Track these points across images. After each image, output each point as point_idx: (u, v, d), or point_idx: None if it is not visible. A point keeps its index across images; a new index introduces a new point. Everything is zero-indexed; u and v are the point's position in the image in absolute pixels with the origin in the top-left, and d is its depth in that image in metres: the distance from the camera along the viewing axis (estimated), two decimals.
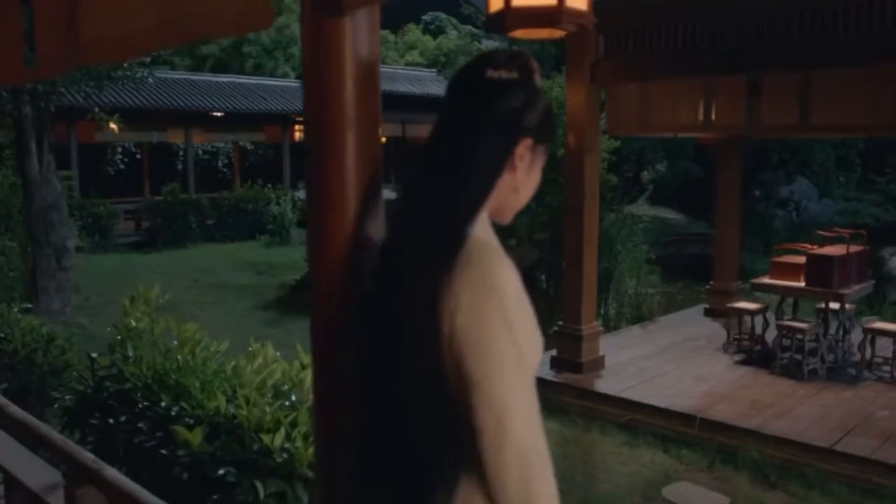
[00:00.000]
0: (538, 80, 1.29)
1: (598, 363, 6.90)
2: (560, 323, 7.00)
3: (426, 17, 28.83)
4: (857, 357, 6.78)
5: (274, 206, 15.42)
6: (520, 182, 1.29)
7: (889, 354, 6.58)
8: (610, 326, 8.86)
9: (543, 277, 9.95)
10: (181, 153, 18.84)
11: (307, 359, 3.31)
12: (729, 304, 7.63)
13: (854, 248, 6.74)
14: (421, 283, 1.16)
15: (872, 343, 6.71)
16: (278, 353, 3.26)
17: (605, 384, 6.49)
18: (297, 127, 19.04)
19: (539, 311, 1.25)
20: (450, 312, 1.13)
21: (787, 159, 21.55)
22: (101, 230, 13.81)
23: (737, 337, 7.44)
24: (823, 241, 7.03)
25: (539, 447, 1.15)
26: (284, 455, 2.79)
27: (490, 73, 1.23)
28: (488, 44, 22.03)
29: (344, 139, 1.41)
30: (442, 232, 1.18)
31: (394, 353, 1.17)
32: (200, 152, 21.11)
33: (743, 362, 7.13)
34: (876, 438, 5.24)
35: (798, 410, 5.84)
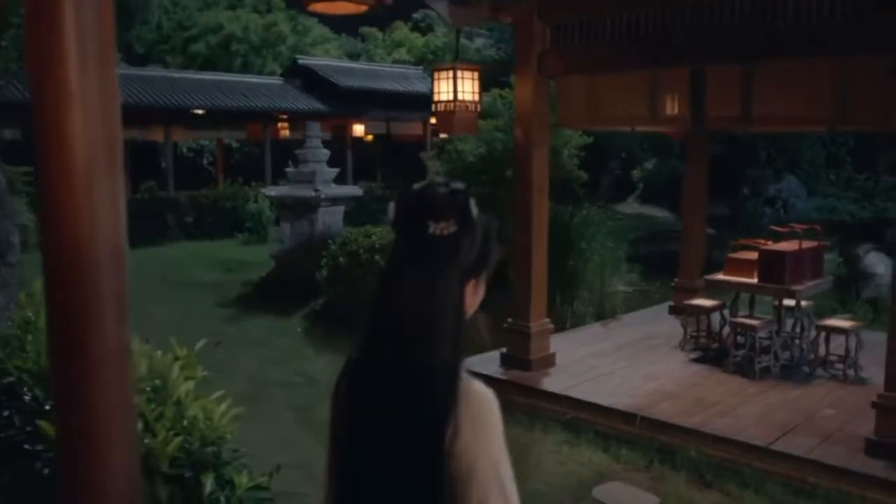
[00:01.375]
0: (473, 211, 1.38)
1: (548, 361, 6.78)
2: (509, 320, 6.90)
3: (417, 15, 28.72)
4: (813, 355, 6.66)
5: (252, 204, 15.34)
6: (470, 303, 1.46)
7: (844, 352, 6.46)
8: (570, 324, 8.75)
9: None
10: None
11: (182, 351, 3.22)
12: (685, 301, 7.51)
13: (808, 244, 6.62)
14: (432, 426, 1.33)
15: (827, 341, 6.59)
16: (147, 346, 3.15)
17: (552, 382, 6.38)
18: (280, 125, 18.97)
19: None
20: (458, 449, 1.33)
21: (775, 157, 21.42)
22: None
23: (693, 334, 7.32)
24: (779, 238, 6.91)
25: None
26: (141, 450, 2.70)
27: (433, 228, 1.34)
28: (478, 42, 21.90)
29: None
30: (442, 380, 1.35)
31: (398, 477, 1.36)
32: (185, 150, 21.07)
33: (697, 360, 7.01)
34: (816, 437, 5.12)
35: (743, 409, 5.73)
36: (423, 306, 1.35)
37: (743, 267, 6.69)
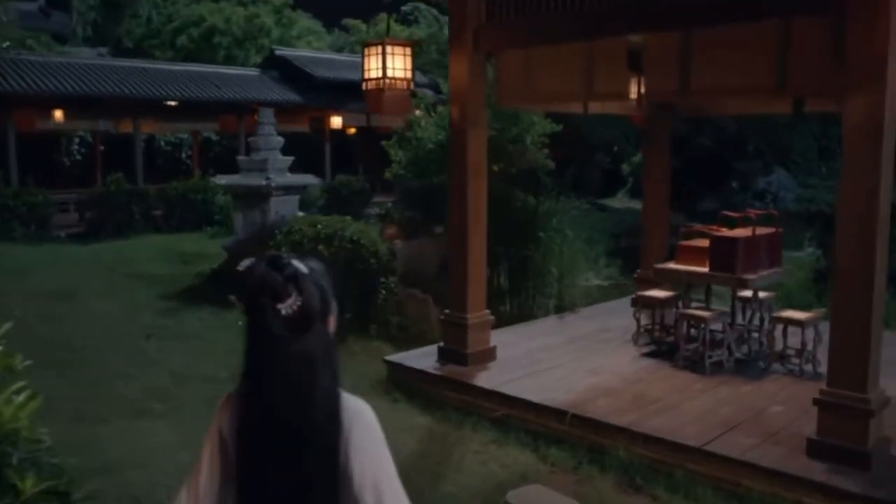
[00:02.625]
0: (300, 268, 1.53)
1: (488, 355, 6.37)
2: (446, 311, 6.49)
3: (405, 8, 28.27)
4: (769, 349, 6.24)
5: (221, 197, 14.94)
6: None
7: (800, 346, 6.04)
8: (526, 317, 8.34)
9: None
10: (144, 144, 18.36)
11: None
12: (638, 293, 7.09)
13: (763, 231, 6.19)
14: (324, 436, 1.53)
15: (785, 334, 6.16)
16: None
17: (488, 377, 5.96)
18: (255, 117, 18.55)
19: None
20: (344, 450, 1.54)
21: (764, 149, 20.96)
22: (37, 220, 13.33)
23: (647, 328, 6.90)
24: (734, 223, 6.49)
25: None
26: None
27: (282, 309, 1.49)
28: None
29: None
30: (326, 403, 1.54)
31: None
32: (163, 143, 20.68)
33: (649, 355, 6.60)
34: (757, 436, 4.70)
35: (685, 406, 5.31)
36: (299, 362, 1.53)
37: (694, 255, 6.26)
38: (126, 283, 9.53)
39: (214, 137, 20.97)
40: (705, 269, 6.13)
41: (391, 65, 6.01)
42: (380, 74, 6.03)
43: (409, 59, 6.11)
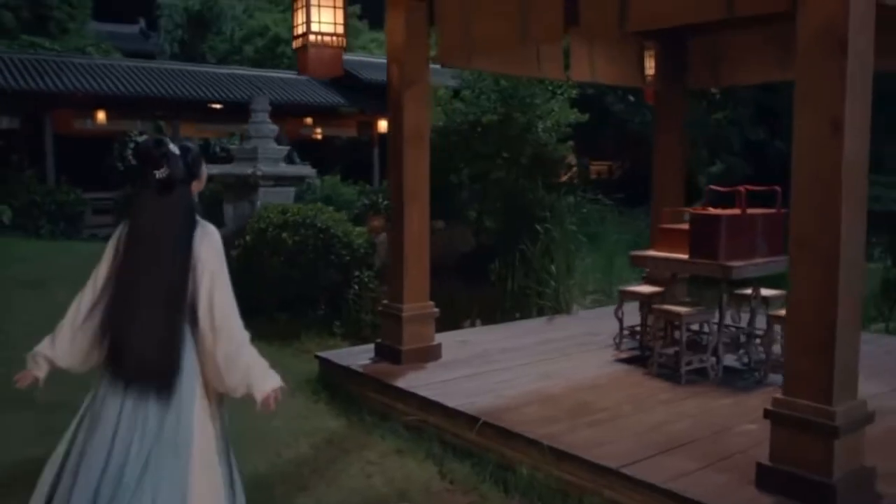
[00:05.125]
0: (172, 148, 2.48)
1: (429, 353, 5.48)
2: (384, 301, 5.66)
3: None
4: (765, 356, 5.05)
5: None
6: (198, 188, 2.63)
7: None
8: (520, 316, 7.39)
9: (493, 267, 8.45)
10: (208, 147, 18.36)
11: None
12: (621, 287, 6.01)
13: (758, 211, 5.04)
14: (181, 245, 2.41)
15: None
16: None
17: (415, 378, 5.07)
18: (307, 120, 18.34)
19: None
20: (196, 256, 2.42)
21: None
22: (66, 218, 13.40)
23: (630, 328, 5.82)
24: (721, 200, 5.34)
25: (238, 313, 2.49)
26: None
27: (157, 174, 2.43)
28: None
29: None
30: (185, 232, 2.43)
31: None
32: (218, 150, 20.75)
33: (625, 359, 5.53)
34: (700, 460, 3.61)
35: (633, 419, 4.25)
36: (166, 212, 2.43)
37: (675, 239, 5.17)
38: None
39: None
40: (685, 256, 5.03)
41: (316, 18, 5.29)
42: (304, 30, 5.31)
43: (340, 12, 5.38)
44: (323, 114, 18.57)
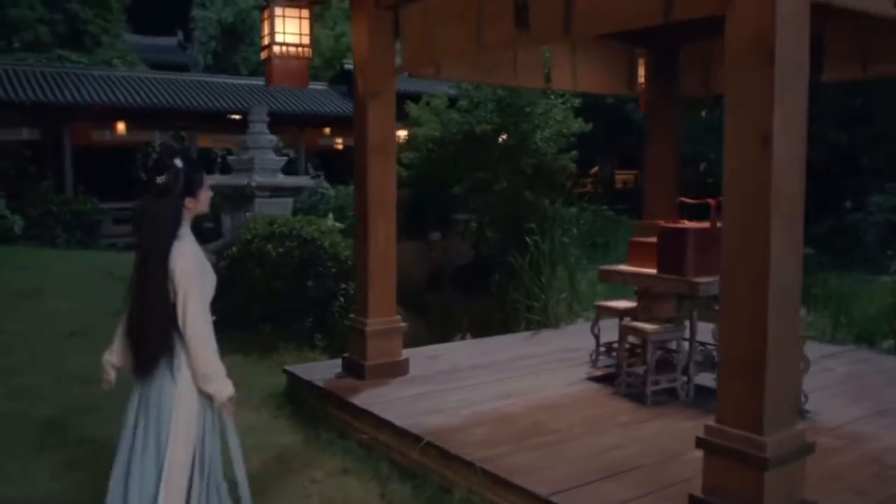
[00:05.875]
0: (176, 163, 2.77)
1: (396, 368, 5.36)
2: (351, 315, 5.57)
3: None
4: None
5: None
6: (194, 206, 2.84)
7: None
8: (495, 330, 7.22)
9: (495, 279, 8.28)
10: (216, 157, 18.64)
11: None
12: (597, 303, 5.82)
13: None
14: (161, 258, 2.68)
15: None
16: None
17: (374, 394, 4.95)
18: (326, 130, 18.37)
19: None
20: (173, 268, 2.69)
21: (881, 164, 18.24)
22: (82, 228, 13.62)
23: (607, 345, 5.63)
24: (693, 212, 5.13)
25: (209, 322, 2.80)
26: None
27: (158, 180, 2.77)
28: None
29: None
30: (163, 245, 2.69)
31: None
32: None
33: (599, 378, 5.34)
34: (637, 488, 3.42)
35: (582, 442, 4.08)
36: (155, 218, 2.74)
37: (645, 253, 4.98)
38: (104, 286, 9.25)
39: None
40: (654, 271, 4.84)
41: (281, 29, 5.29)
42: (269, 41, 5.27)
43: (305, 23, 5.36)
44: (342, 124, 18.63)
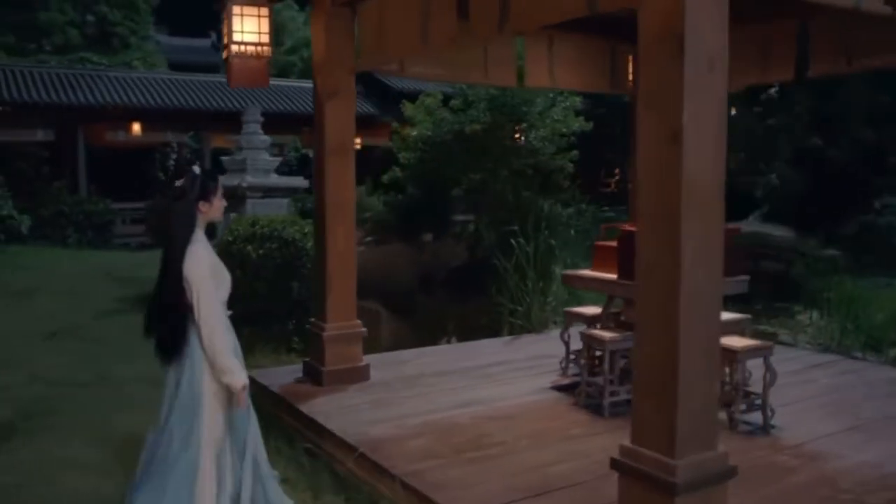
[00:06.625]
0: (195, 170, 3.05)
1: (356, 374, 5.23)
2: (312, 319, 5.45)
3: None
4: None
5: None
6: (208, 211, 3.06)
7: (731, 387, 4.34)
8: (479, 334, 7.05)
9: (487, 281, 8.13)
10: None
11: None
12: (566, 309, 5.62)
13: None
14: (176, 259, 2.92)
15: (731, 368, 4.48)
16: None
17: (326, 401, 4.83)
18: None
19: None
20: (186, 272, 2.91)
21: None
22: (94, 228, 13.77)
23: (576, 352, 5.42)
24: None
25: (221, 319, 3.02)
26: None
27: (176, 183, 3.03)
28: None
29: None
30: (179, 246, 2.93)
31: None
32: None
33: (563, 387, 5.14)
34: None
35: (523, 457, 3.89)
36: (173, 217, 2.99)
37: (607, 257, 4.77)
38: (102, 286, 9.33)
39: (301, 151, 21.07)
40: (615, 276, 4.62)
41: (239, 28, 5.14)
42: (227, 41, 5.19)
43: (265, 22, 5.21)
44: (359, 124, 18.59)
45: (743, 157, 21.86)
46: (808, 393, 5.03)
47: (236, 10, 5.15)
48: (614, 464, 2.88)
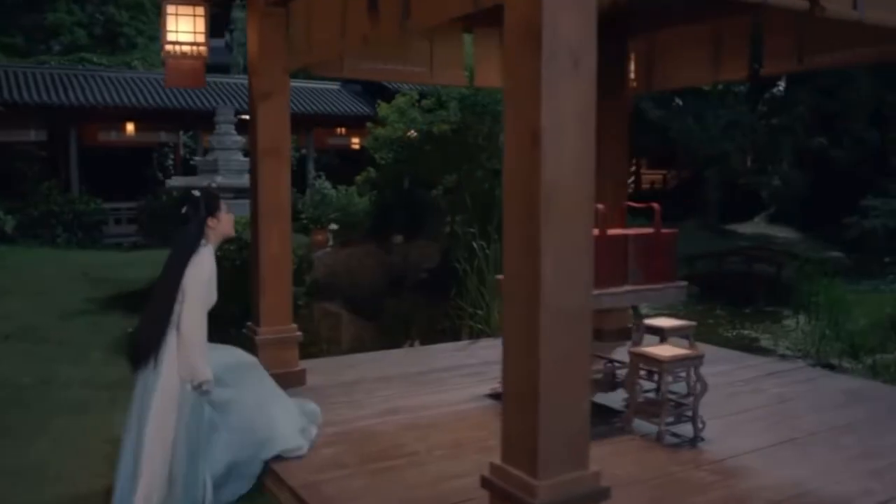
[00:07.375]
0: (195, 200, 3.50)
1: (291, 379, 5.10)
2: (248, 323, 5.36)
3: None
4: (628, 398, 4.42)
5: None
6: (215, 225, 3.52)
7: (655, 397, 4.19)
8: (440, 338, 6.94)
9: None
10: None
11: None
12: None
13: (626, 231, 4.43)
14: (177, 269, 3.34)
15: (657, 379, 4.33)
16: None
17: None
18: (340, 130, 18.32)
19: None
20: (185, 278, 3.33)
21: None
22: (84, 227, 13.81)
23: None
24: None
25: (203, 321, 3.40)
26: None
27: (182, 208, 3.49)
28: None
29: None
30: (183, 258, 3.35)
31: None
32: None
33: (499, 394, 4.98)
34: None
35: (428, 468, 3.78)
36: (179, 238, 3.44)
37: None
38: (75, 286, 9.31)
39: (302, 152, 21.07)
40: None
41: (174, 27, 5.06)
42: (162, 41, 5.12)
43: (200, 21, 5.14)
44: (354, 124, 18.55)
45: (749, 158, 21.54)
46: (751, 404, 4.85)
47: (171, 9, 5.08)
48: (484, 482, 2.75)
